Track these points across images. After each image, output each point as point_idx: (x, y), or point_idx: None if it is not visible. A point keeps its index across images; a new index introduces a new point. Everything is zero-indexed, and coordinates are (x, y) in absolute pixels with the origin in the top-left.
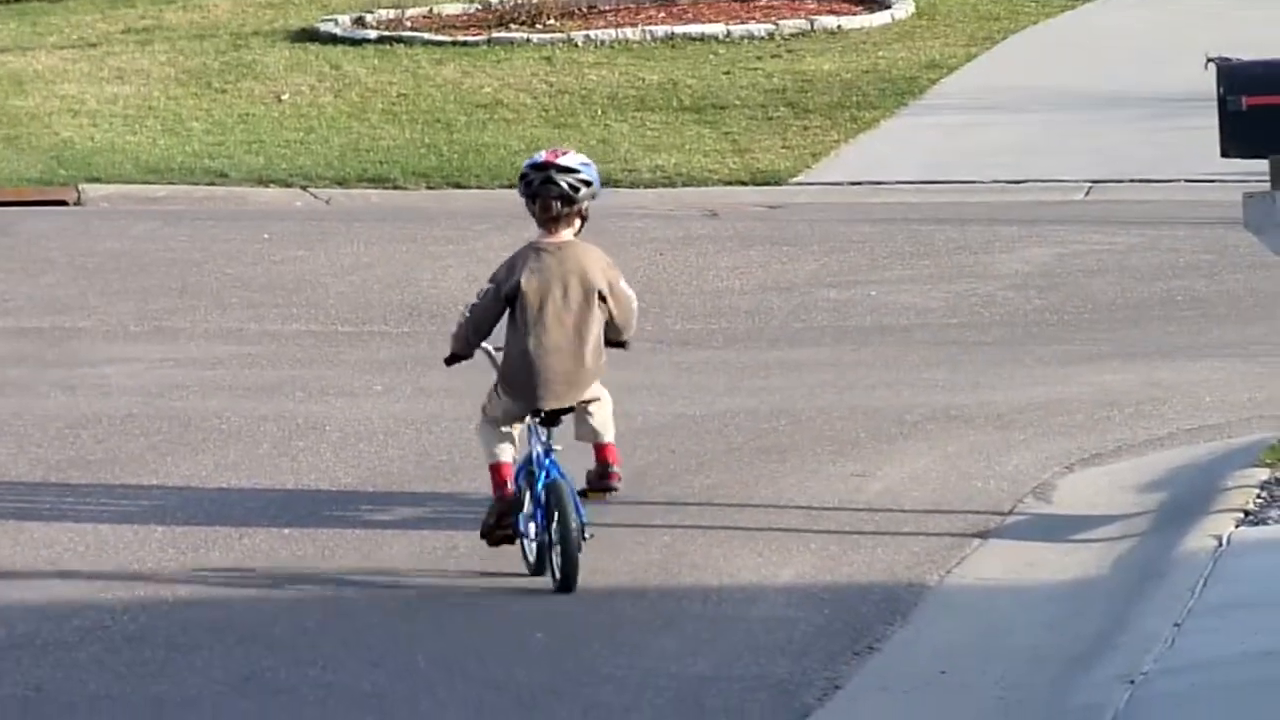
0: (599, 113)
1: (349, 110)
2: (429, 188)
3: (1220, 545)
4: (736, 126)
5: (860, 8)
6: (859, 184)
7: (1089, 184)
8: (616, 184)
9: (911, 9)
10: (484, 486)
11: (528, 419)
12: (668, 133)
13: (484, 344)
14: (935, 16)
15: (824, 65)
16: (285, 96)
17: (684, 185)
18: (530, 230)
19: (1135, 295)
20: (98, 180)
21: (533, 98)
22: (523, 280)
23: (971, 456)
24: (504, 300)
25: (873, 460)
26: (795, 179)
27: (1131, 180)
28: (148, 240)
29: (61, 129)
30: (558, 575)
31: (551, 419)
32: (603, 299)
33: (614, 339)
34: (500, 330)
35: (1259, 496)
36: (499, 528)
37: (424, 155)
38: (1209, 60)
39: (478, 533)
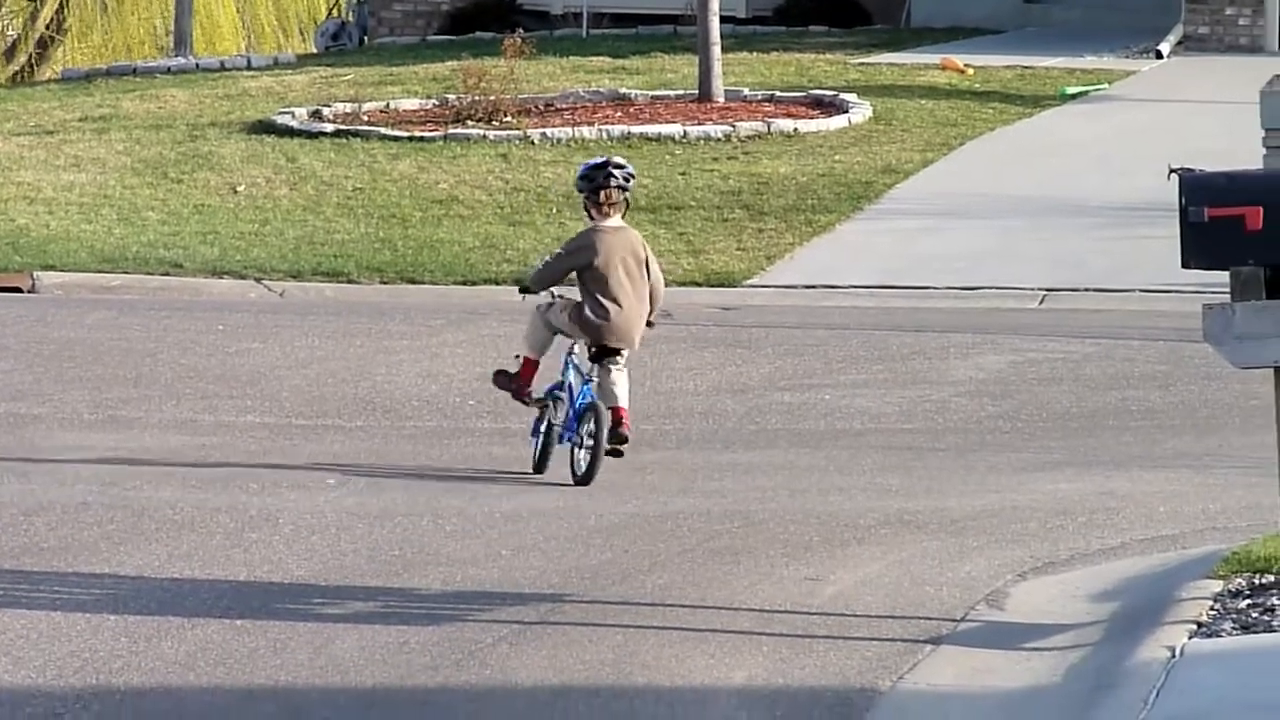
0: (554, 210)
1: (304, 203)
2: (383, 282)
3: (1173, 656)
4: (691, 227)
5: (817, 112)
6: (813, 287)
7: (1044, 292)
8: (571, 284)
9: (869, 114)
10: (435, 583)
11: (577, 349)
12: None
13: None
14: (892, 121)
15: (780, 168)
16: (241, 188)
17: None
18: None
19: (1090, 404)
20: (52, 268)
21: (488, 194)
22: (596, 258)
23: (924, 562)
24: (574, 269)
25: (826, 564)
26: (750, 281)
27: (1086, 289)
28: (102, 329)
29: (17, 216)
30: (580, 471)
31: (606, 354)
32: (647, 267)
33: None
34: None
35: (1212, 608)
36: (513, 396)
37: (378, 250)
38: (1172, 171)
39: (429, 626)
